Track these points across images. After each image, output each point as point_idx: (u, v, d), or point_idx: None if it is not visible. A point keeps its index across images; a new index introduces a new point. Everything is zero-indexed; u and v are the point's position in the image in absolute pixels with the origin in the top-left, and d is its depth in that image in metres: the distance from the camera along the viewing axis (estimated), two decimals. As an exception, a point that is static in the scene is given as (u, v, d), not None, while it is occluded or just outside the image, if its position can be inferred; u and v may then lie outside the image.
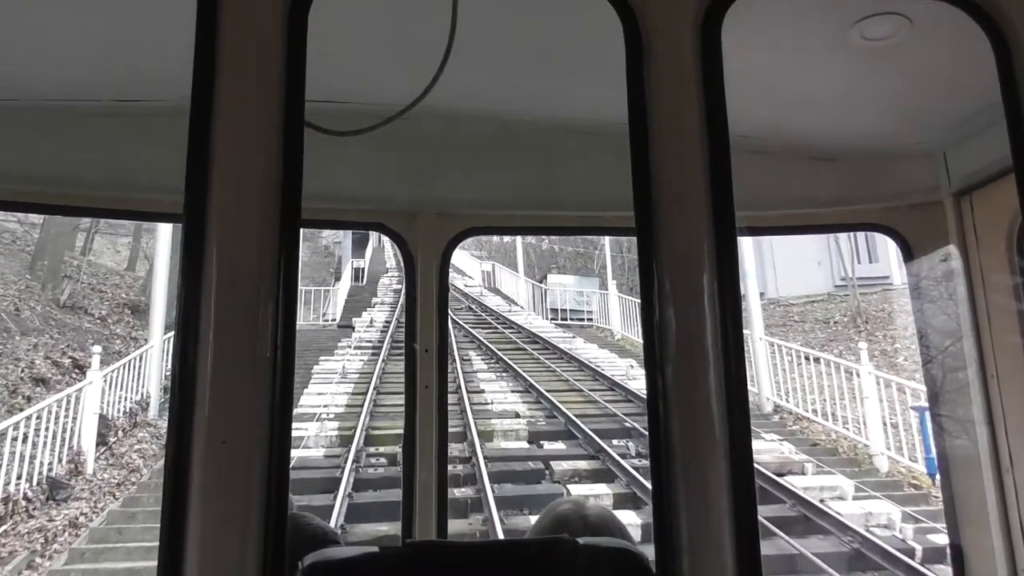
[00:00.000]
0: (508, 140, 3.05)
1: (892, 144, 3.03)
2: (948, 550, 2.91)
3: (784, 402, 19.33)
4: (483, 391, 20.04)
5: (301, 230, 1.56)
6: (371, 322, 31.67)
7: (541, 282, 41.15)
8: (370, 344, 26.63)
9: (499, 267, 49.82)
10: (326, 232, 49.00)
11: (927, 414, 12.42)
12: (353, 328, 30.29)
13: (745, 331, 19.53)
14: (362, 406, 17.69)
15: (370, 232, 47.50)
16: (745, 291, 20.86)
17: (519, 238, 46.25)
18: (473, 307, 38.01)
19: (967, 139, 2.84)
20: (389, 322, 31.24)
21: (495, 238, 55.25)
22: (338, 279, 43.80)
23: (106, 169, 2.74)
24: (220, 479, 1.41)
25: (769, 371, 19.99)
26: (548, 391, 19.39)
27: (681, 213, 1.65)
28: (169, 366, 19.30)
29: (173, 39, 1.67)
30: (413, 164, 3.04)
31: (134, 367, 18.15)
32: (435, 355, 2.99)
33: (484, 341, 27.23)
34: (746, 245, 21.16)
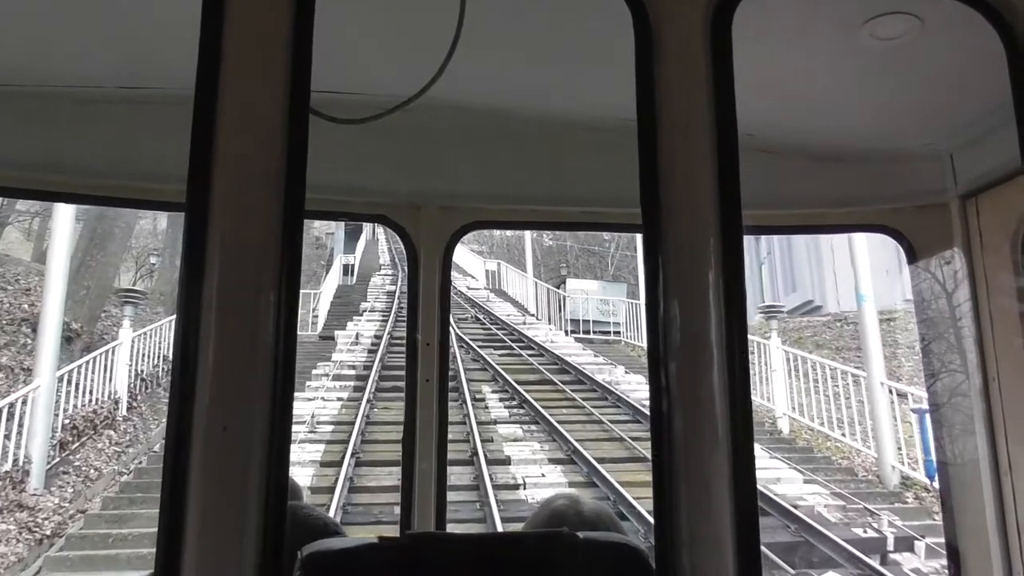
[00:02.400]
0: (513, 134, 3.05)
1: (899, 145, 3.03)
2: (945, 552, 2.91)
3: (912, 470, 14.40)
4: (508, 459, 14.23)
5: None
6: (357, 338, 24.68)
7: (559, 287, 34.69)
8: (353, 372, 20.69)
9: (505, 266, 43.82)
10: (318, 223, 44.85)
11: (927, 416, 12.41)
12: (334, 340, 24.62)
13: (859, 372, 16.50)
14: (332, 491, 12.31)
15: (363, 224, 46.81)
16: (860, 318, 16.99)
17: (528, 235, 42.42)
18: (480, 317, 30.92)
19: (975, 141, 2.83)
20: (380, 338, 24.33)
21: (498, 234, 54.30)
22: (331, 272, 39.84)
23: (108, 156, 2.74)
24: (219, 466, 1.41)
25: (897, 434, 14.80)
26: (599, 461, 13.43)
27: (688, 208, 1.65)
28: (72, 408, 14.95)
29: (179, 26, 1.66)
30: (417, 157, 3.04)
31: (8, 417, 12.46)
32: (436, 348, 3.00)
33: (500, 371, 20.96)
34: (860, 252, 16.57)
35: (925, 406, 12.38)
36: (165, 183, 2.71)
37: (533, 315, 33.84)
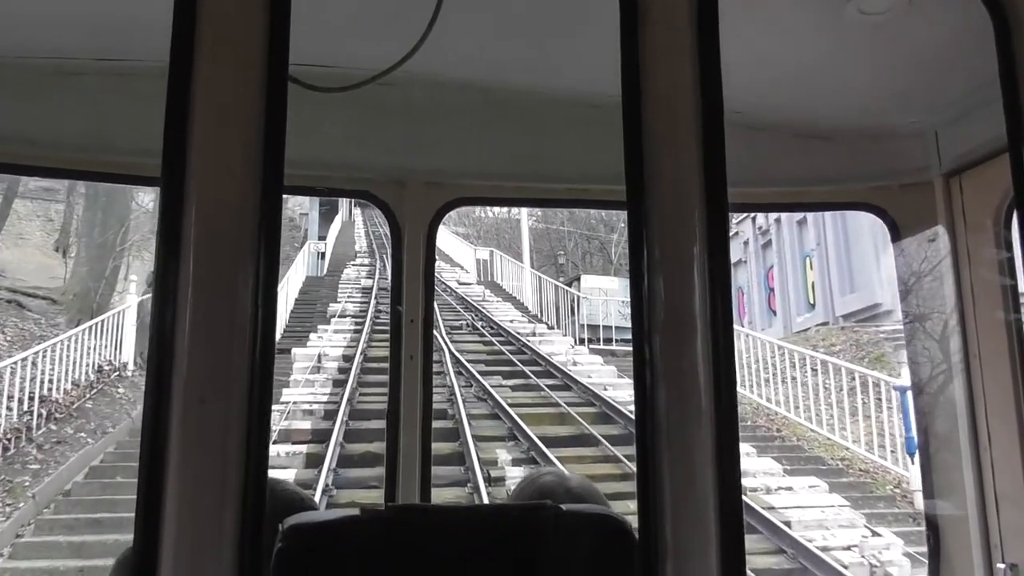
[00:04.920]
0: (499, 110, 3.03)
1: (885, 123, 3.04)
2: (924, 524, 2.96)
3: None
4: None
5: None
6: (319, 362, 18.24)
7: (570, 286, 29.44)
8: (307, 426, 14.55)
9: (499, 255, 38.31)
10: (291, 202, 41.14)
11: (908, 394, 12.48)
12: (292, 358, 18.47)
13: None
14: None
15: (339, 205, 45.29)
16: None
17: (524, 218, 39.18)
18: (479, 325, 24.00)
19: (959, 119, 2.85)
20: (350, 360, 18.20)
21: (486, 216, 53.41)
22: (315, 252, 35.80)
23: (84, 130, 2.70)
24: (198, 439, 1.40)
25: None
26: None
27: (672, 183, 1.64)
28: None
29: None
30: (401, 132, 3.02)
31: None
32: (420, 325, 2.99)
33: (519, 420, 14.32)
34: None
35: (907, 383, 12.41)
36: (143, 157, 2.67)
37: (543, 322, 27.26)
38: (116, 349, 18.46)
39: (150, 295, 19.83)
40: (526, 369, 18.55)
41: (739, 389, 17.68)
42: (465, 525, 1.77)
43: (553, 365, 18.98)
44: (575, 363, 19.57)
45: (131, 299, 20.17)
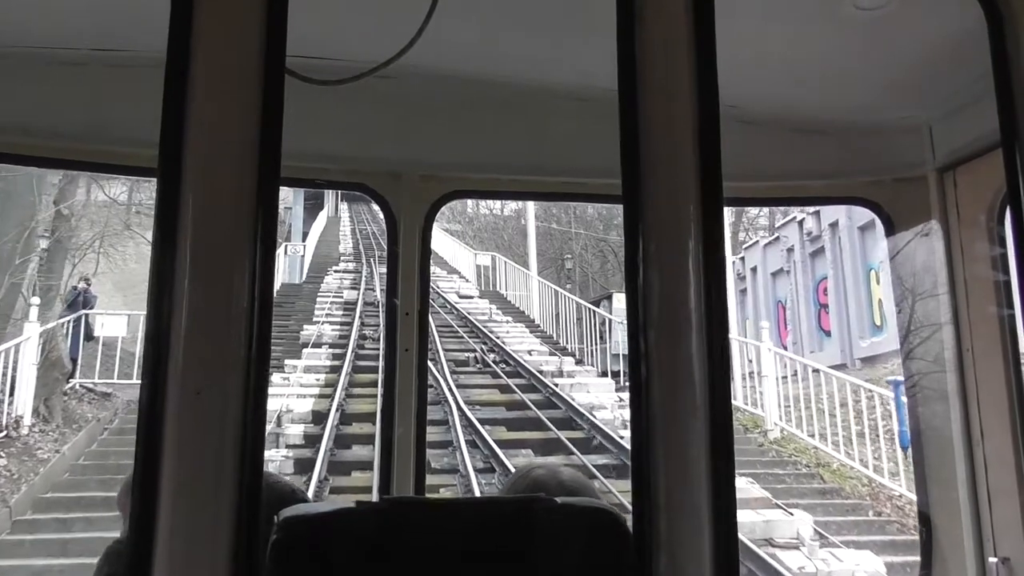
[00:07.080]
0: (496, 103, 3.04)
1: (880, 117, 3.05)
2: (917, 518, 2.98)
3: None
4: None
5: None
6: (279, 424, 13.74)
7: (597, 305, 25.38)
8: None
9: (501, 260, 34.12)
10: None
11: (902, 387, 12.42)
12: None
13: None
14: None
15: (325, 200, 44.46)
16: None
17: (531, 223, 35.76)
18: (491, 360, 19.14)
19: (953, 114, 2.86)
20: (323, 420, 13.93)
21: (486, 214, 52.78)
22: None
23: (80, 120, 2.70)
24: (194, 431, 1.40)
25: None
26: None
27: (668, 177, 1.65)
28: None
29: None
30: (398, 125, 3.03)
31: None
32: (416, 318, 2.99)
33: None
34: None
35: (901, 377, 12.26)
36: (139, 148, 2.67)
37: (569, 352, 22.64)
38: (6, 398, 13.94)
39: (64, 319, 16.75)
40: (563, 437, 13.54)
41: (837, 454, 13.67)
42: (459, 518, 1.78)
43: (600, 431, 14.01)
44: (626, 425, 13.08)
45: (31, 328, 14.91)
